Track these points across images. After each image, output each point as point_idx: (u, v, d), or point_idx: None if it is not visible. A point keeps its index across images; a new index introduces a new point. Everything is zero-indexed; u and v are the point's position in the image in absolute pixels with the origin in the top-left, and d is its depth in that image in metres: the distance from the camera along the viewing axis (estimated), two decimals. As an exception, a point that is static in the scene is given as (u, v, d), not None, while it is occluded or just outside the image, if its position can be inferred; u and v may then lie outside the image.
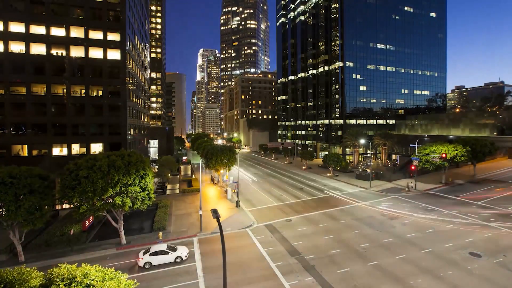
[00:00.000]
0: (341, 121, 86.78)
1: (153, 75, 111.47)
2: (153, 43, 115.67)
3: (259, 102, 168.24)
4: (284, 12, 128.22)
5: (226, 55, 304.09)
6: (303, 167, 74.20)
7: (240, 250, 25.22)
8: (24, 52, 39.05)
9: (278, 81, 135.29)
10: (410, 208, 36.20)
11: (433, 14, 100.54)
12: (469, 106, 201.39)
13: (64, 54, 40.64)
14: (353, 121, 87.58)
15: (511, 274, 20.09)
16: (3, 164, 25.30)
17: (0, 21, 38.03)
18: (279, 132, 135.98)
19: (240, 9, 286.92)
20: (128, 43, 45.42)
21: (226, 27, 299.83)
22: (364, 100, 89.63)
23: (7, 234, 23.60)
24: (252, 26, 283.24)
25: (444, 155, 44.42)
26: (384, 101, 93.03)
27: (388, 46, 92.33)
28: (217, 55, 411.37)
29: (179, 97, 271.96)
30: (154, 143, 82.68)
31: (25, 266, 13.43)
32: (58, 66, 40.45)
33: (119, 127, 43.41)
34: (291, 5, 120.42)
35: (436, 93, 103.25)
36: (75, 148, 41.73)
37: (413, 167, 47.14)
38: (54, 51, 40.48)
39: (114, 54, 43.22)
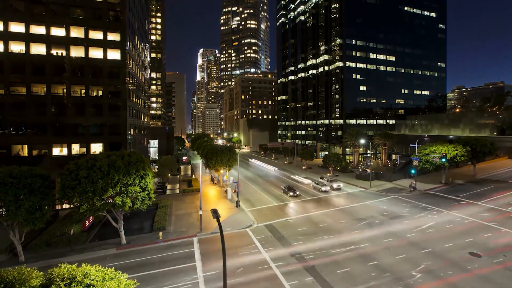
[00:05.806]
0: (341, 121, 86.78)
1: (153, 75, 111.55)
2: (153, 43, 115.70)
3: (259, 102, 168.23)
4: (284, 12, 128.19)
5: (226, 55, 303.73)
6: (303, 167, 74.19)
7: (240, 250, 25.24)
8: (24, 52, 39.05)
9: (278, 81, 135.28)
10: (410, 208, 36.20)
11: (433, 14, 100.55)
12: (469, 106, 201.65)
13: (64, 54, 40.65)
14: (353, 121, 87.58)
15: (511, 274, 20.09)
16: (3, 164, 25.30)
17: (0, 21, 38.05)
18: (279, 132, 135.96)
19: (240, 9, 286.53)
20: (128, 43, 45.42)
21: (226, 27, 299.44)
22: (364, 100, 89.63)
23: (7, 234, 23.60)
24: (252, 26, 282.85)
25: (444, 155, 44.36)
26: (384, 101, 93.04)
27: (388, 46, 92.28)
28: (217, 55, 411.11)
29: (179, 97, 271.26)
30: (154, 143, 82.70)
31: (25, 266, 13.41)
32: (58, 66, 40.46)
33: (119, 127, 43.41)
34: (291, 5, 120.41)
35: (436, 93, 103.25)
36: (75, 148, 41.73)
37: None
38: (54, 51, 40.48)
39: (114, 54, 43.23)
